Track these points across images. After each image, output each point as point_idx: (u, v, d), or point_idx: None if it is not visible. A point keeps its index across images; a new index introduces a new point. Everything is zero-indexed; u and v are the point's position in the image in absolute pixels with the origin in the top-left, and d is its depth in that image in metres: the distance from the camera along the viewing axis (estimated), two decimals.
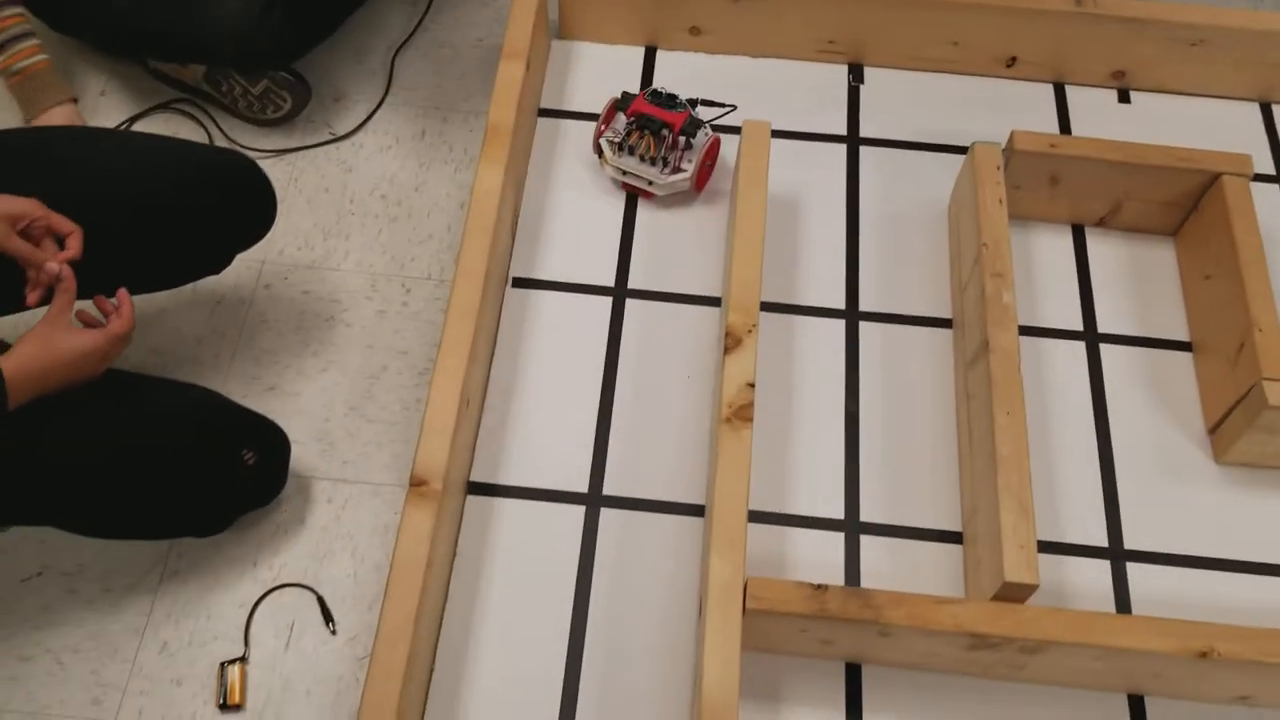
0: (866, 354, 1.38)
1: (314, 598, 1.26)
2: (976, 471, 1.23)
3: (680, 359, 1.37)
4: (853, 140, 1.57)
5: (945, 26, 1.58)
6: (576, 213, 1.49)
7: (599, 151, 1.48)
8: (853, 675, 1.18)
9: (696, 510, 1.27)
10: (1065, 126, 1.59)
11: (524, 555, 1.24)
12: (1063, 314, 1.42)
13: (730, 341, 1.24)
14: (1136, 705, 1.17)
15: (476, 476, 1.29)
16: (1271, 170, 1.56)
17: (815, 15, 1.58)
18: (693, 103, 1.48)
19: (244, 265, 1.49)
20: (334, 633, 1.24)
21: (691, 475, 1.29)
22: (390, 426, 1.38)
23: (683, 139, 1.44)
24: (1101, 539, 1.27)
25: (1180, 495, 1.30)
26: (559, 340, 1.39)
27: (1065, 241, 1.48)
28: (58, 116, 1.48)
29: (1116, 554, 1.26)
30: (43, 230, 1.07)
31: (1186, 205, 1.44)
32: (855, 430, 1.33)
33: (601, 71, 1.63)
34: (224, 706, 1.19)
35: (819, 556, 1.25)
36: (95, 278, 1.11)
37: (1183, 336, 1.41)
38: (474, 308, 1.25)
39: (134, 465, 1.10)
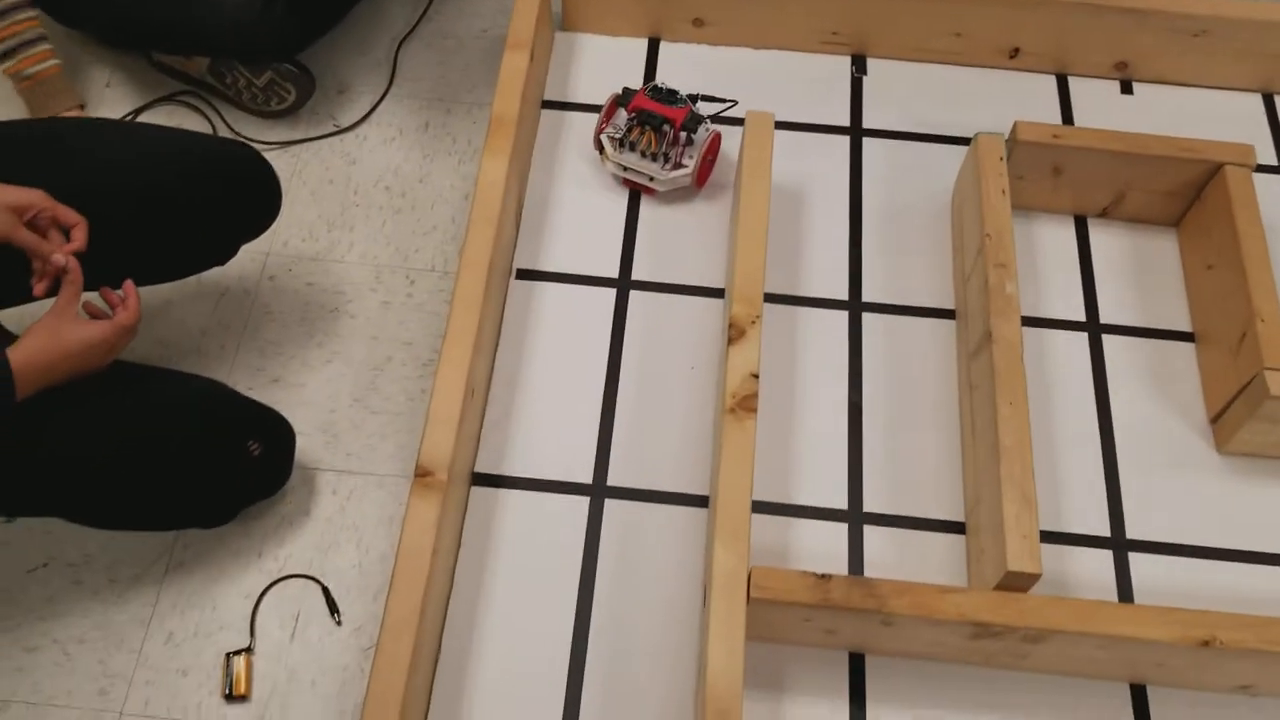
0: (870, 345, 1.39)
1: (319, 589, 1.27)
2: (979, 462, 1.23)
3: (684, 350, 1.37)
4: (856, 131, 1.57)
5: (948, 17, 1.58)
6: (580, 204, 1.49)
7: (600, 148, 1.48)
8: (856, 664, 1.18)
9: (700, 501, 1.27)
10: (1068, 117, 1.59)
11: (529, 546, 1.24)
12: (1065, 304, 1.42)
13: (734, 332, 1.24)
14: (1139, 694, 1.17)
15: (481, 467, 1.29)
16: (1274, 160, 1.55)
17: (818, 7, 1.58)
18: (693, 98, 1.48)
19: (248, 257, 1.49)
20: (339, 623, 1.25)
21: (695, 466, 1.29)
22: (395, 418, 1.39)
23: (684, 134, 1.44)
24: (1104, 529, 1.27)
25: (1182, 485, 1.30)
26: (563, 332, 1.39)
27: (1068, 232, 1.48)
28: None
29: (1119, 543, 1.26)
30: (49, 221, 1.08)
31: (1189, 196, 1.44)
32: (858, 421, 1.33)
33: (605, 63, 1.63)
34: (229, 697, 1.19)
35: (822, 546, 1.25)
36: (101, 269, 1.11)
37: (1185, 327, 1.41)
38: (478, 299, 1.25)
39: (139, 456, 1.10)
